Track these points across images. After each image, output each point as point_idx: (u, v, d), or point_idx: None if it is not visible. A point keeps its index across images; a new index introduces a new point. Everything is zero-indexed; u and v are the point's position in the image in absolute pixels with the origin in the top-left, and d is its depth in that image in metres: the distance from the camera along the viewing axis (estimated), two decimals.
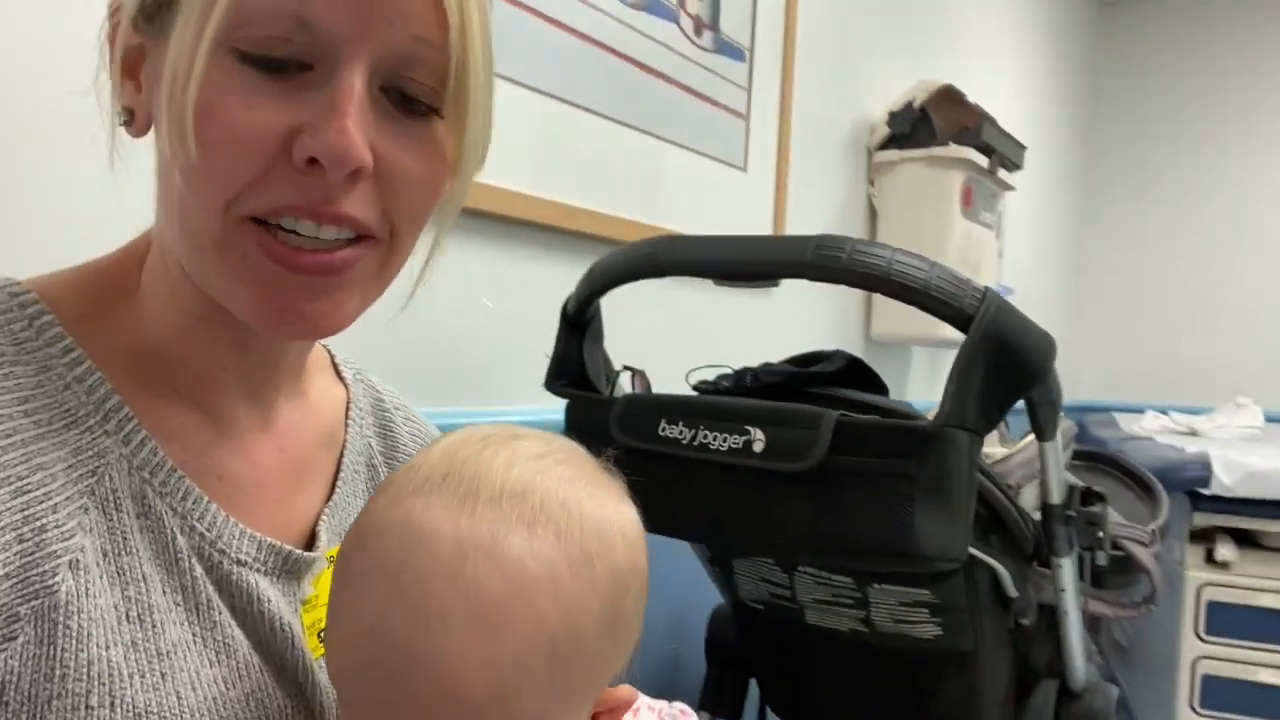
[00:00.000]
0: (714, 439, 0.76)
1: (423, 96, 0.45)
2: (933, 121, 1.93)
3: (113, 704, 0.41)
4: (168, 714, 0.43)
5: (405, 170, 0.45)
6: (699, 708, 1.22)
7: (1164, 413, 2.96)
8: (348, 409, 0.61)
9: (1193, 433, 2.69)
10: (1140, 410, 3.12)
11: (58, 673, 0.40)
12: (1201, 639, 2.06)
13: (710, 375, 0.95)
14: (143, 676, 0.42)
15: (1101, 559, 0.91)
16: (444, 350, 1.04)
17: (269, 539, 0.50)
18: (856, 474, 0.70)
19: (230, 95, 0.41)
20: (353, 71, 0.42)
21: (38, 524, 0.40)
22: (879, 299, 1.98)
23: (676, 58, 1.34)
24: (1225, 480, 2.00)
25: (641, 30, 1.27)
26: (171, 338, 0.49)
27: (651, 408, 0.81)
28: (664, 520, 0.85)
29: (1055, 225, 3.32)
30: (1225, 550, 2.07)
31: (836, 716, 1.17)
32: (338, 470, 0.58)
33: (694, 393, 0.95)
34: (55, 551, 0.40)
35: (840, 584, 0.98)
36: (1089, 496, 0.87)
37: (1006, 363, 0.70)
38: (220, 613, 0.46)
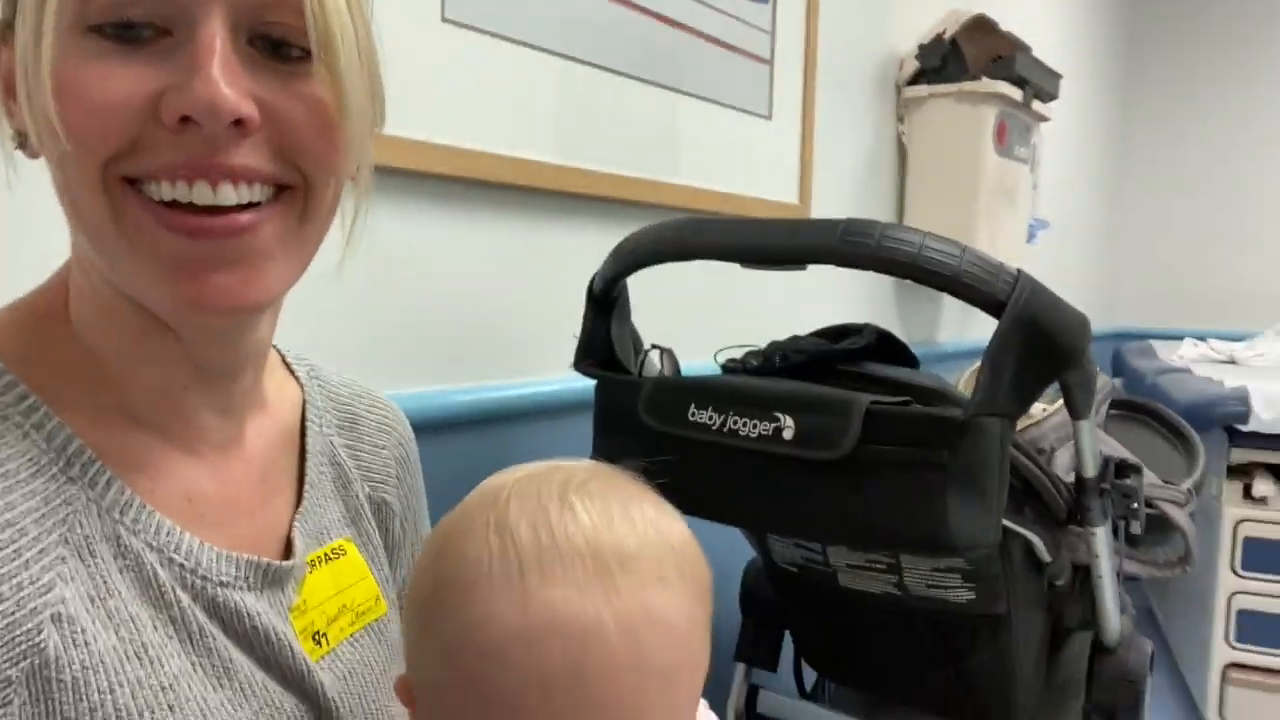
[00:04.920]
0: (744, 425, 0.76)
1: (290, 38, 0.43)
2: (964, 53, 1.86)
3: None
4: None
5: (296, 117, 0.44)
6: (735, 659, 1.24)
7: (1202, 339, 2.91)
8: (304, 410, 0.60)
9: (1232, 361, 2.64)
10: (1179, 337, 3.06)
11: None
12: (1238, 574, 2.05)
13: (739, 353, 0.94)
14: (152, 713, 0.43)
15: (1136, 527, 0.91)
16: (474, 325, 1.04)
17: (246, 555, 0.50)
18: (888, 463, 0.69)
19: (85, 71, 0.40)
20: (210, 23, 0.41)
21: (13, 582, 0.40)
22: None
23: (694, 5, 1.30)
24: (1264, 416, 1.97)
25: None
26: (120, 364, 0.48)
27: (680, 392, 0.81)
28: (695, 504, 0.85)
29: (1093, 152, 3.22)
30: (1263, 486, 2.05)
31: (870, 671, 1.19)
32: (301, 474, 0.57)
33: (722, 373, 0.94)
34: (35, 608, 0.40)
35: (873, 552, 0.99)
36: (1123, 469, 0.87)
37: (1040, 346, 0.69)
38: (214, 638, 0.47)
